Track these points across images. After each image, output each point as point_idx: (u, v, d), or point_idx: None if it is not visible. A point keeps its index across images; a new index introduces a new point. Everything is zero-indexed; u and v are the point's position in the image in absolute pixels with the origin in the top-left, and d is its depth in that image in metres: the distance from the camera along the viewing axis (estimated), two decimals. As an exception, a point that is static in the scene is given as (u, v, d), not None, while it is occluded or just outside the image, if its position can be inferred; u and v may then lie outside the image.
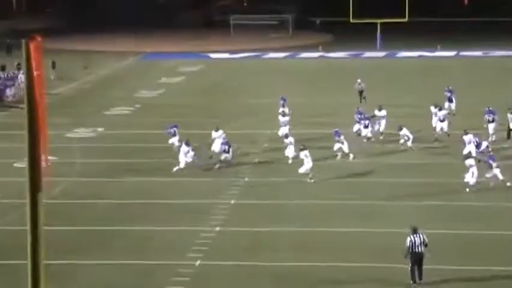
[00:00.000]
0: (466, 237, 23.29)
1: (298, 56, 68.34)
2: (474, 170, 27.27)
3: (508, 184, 27.54)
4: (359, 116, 35.34)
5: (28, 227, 6.52)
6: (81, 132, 38.23)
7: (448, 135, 34.67)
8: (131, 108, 44.82)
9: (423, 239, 19.47)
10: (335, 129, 32.63)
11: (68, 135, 37.25)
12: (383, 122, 35.36)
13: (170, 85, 53.54)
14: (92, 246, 23.06)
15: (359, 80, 44.80)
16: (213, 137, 32.20)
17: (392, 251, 21.11)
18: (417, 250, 19.34)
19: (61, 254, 21.38)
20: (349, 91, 45.32)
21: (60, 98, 47.48)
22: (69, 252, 22.26)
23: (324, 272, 20.80)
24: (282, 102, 39.23)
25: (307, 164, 28.92)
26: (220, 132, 32.40)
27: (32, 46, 6.94)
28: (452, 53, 66.50)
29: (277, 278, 20.53)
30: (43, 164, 7.33)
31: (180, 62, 64.02)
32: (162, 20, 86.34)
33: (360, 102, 42.94)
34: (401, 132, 33.25)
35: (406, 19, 68.97)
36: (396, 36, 71.05)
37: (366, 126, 34.57)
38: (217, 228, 24.25)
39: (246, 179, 29.60)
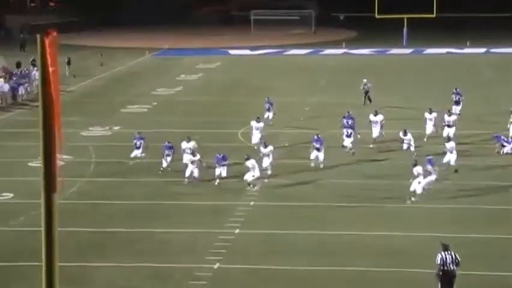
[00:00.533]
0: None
1: (321, 52, 66.89)
2: (421, 178, 25.97)
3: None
4: (347, 121, 33.08)
5: (43, 228, 6.32)
6: (96, 131, 37.67)
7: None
8: (149, 106, 44.14)
9: (455, 257, 18.20)
10: (315, 135, 30.75)
11: (83, 133, 36.70)
12: (377, 127, 33.26)
13: (188, 82, 52.88)
14: (107, 248, 22.67)
15: (364, 80, 42.94)
16: (182, 148, 29.79)
17: (416, 254, 20.91)
18: (448, 268, 18.05)
19: (76, 256, 21.15)
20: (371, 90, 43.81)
21: (75, 96, 47.07)
22: (84, 254, 21.94)
23: (344, 276, 20.38)
24: (267, 105, 37.53)
25: (256, 172, 27.55)
26: (192, 143, 29.90)
27: (47, 41, 6.76)
28: (481, 50, 64.85)
29: (297, 282, 20.13)
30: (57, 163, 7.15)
31: (199, 58, 63.35)
32: (180, 15, 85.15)
33: (364, 103, 41.42)
34: (406, 137, 31.65)
35: (434, 15, 67.55)
36: (424, 32, 69.72)
37: (348, 136, 31.97)
38: (237, 231, 23.81)
39: (266, 180, 28.82)
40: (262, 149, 29.54)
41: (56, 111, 6.69)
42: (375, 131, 33.37)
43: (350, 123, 32.82)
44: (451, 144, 29.50)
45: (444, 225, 23.73)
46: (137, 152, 30.80)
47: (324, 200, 26.48)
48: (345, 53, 66.05)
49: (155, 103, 44.71)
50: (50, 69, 6.70)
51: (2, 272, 20.95)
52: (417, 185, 25.88)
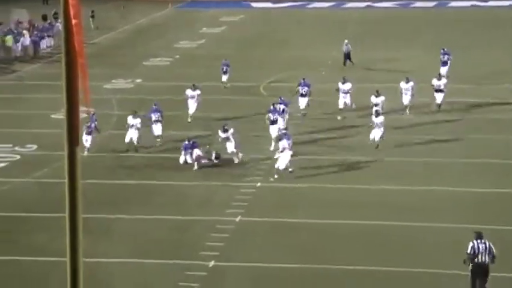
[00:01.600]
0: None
1: (344, 5, 66.16)
2: (285, 153, 24.29)
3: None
4: (302, 89, 30.66)
5: (66, 182, 6.25)
6: (119, 83, 37.68)
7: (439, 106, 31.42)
8: (171, 59, 44.05)
9: (490, 247, 16.16)
10: (271, 105, 28.23)
11: (106, 86, 36.69)
12: (348, 96, 30.47)
13: (211, 35, 52.59)
14: (129, 200, 22.74)
15: (346, 41, 41.14)
16: (128, 123, 27.38)
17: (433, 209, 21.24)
18: (480, 259, 16.06)
19: (97, 208, 21.08)
20: (391, 46, 43.65)
21: (98, 48, 47.01)
22: (104, 206, 21.95)
23: (363, 229, 20.45)
24: (224, 67, 35.95)
25: (231, 145, 26.00)
26: (139, 119, 27.34)
27: (69, -7, 6.76)
28: (506, 3, 63.71)
29: (318, 234, 20.19)
30: (86, 114, 6.83)
31: (221, 11, 62.71)
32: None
33: (344, 65, 39.85)
34: (378, 99, 29.21)
35: (459, -35, 65.88)
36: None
37: (282, 111, 28.13)
38: (258, 184, 23.82)
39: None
40: (220, 133, 26.40)
41: (81, 63, 6.47)
42: (342, 101, 30.55)
43: (305, 91, 30.72)
44: (380, 119, 26.89)
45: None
46: (88, 139, 26.34)
47: (348, 154, 26.31)
48: (368, 6, 65.25)
49: (178, 56, 44.64)
50: (73, 21, 6.47)
51: (25, 222, 21.14)
52: (280, 161, 24.27)
